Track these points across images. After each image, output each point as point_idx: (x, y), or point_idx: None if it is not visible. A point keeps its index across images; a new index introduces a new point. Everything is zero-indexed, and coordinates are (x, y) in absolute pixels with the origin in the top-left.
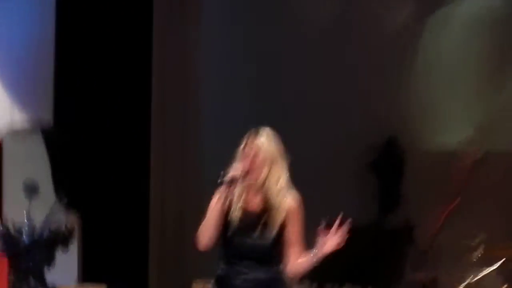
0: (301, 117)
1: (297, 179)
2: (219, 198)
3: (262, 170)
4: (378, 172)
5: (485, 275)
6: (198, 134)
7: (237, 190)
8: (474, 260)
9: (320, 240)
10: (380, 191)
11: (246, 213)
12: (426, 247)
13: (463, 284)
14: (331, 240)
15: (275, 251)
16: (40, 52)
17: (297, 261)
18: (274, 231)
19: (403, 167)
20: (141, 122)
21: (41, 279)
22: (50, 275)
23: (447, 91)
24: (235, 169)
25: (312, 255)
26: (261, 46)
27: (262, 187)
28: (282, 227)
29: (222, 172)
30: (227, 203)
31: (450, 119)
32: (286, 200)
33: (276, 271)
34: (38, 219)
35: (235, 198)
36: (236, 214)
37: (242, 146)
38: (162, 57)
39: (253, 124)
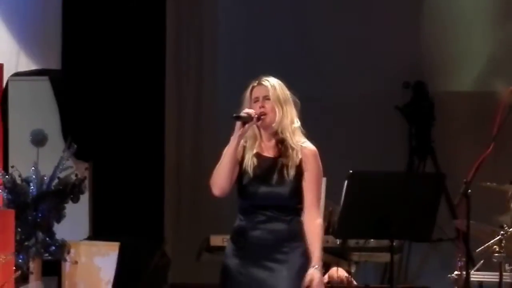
0: (329, 62)
1: (329, 124)
2: (232, 140)
3: (275, 112)
4: (409, 117)
5: None
6: (215, 78)
7: (250, 135)
8: (510, 208)
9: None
10: (411, 137)
11: (261, 159)
12: (460, 195)
13: (500, 233)
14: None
15: (294, 199)
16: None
17: (308, 228)
18: (291, 175)
19: (434, 112)
20: (155, 69)
21: (50, 233)
22: (60, 229)
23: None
24: (248, 109)
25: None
26: None
27: (276, 130)
28: (299, 172)
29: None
30: (241, 150)
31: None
32: (304, 143)
33: (296, 221)
34: (47, 169)
35: (248, 144)
36: (250, 161)
37: (248, 90)
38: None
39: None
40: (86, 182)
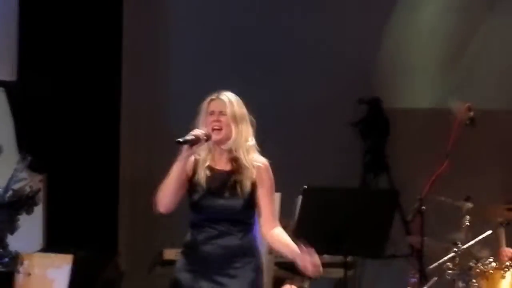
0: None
1: (282, 139)
2: (179, 160)
3: (230, 127)
4: (363, 132)
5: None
6: (169, 91)
7: (203, 150)
8: (465, 224)
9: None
10: (365, 153)
11: (214, 173)
12: (414, 211)
13: (454, 250)
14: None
15: (246, 212)
16: (5, 9)
17: (275, 233)
18: (245, 190)
19: (388, 128)
20: (111, 82)
21: (3, 244)
22: (13, 240)
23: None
24: (197, 130)
25: (294, 251)
26: None
27: (230, 146)
28: (252, 188)
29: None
30: (192, 165)
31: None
32: (257, 160)
33: (248, 237)
34: (1, 181)
35: (201, 159)
36: (203, 174)
37: (206, 102)
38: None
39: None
40: (40, 194)
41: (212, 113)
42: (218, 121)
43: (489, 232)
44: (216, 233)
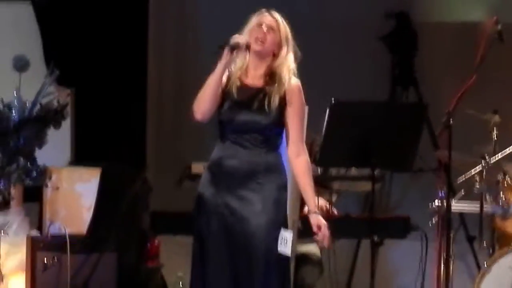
0: None
1: (310, 53)
2: (218, 66)
3: (275, 45)
4: (391, 47)
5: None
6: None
7: (239, 60)
8: (493, 138)
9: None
10: (393, 66)
11: (245, 86)
12: (442, 126)
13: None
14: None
15: (273, 129)
16: None
17: (299, 166)
18: (273, 106)
19: (417, 42)
20: None
21: (31, 159)
22: (41, 155)
23: None
24: (238, 36)
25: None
26: None
27: (270, 62)
28: (282, 104)
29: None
30: (227, 74)
31: None
32: (290, 79)
33: (274, 154)
34: (29, 95)
35: (234, 70)
36: (234, 86)
37: (256, 14)
38: None
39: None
40: (68, 108)
41: (260, 25)
42: (265, 36)
43: None
44: (242, 148)
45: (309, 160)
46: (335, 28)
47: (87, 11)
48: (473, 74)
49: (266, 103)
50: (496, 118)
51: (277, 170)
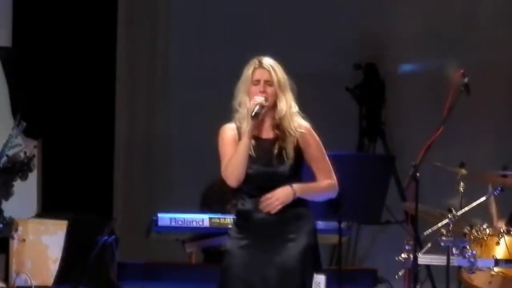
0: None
1: None
2: (247, 132)
3: (276, 96)
4: (359, 98)
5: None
6: (167, 52)
7: (245, 117)
8: (459, 191)
9: None
10: (361, 118)
11: (259, 142)
12: (409, 178)
13: (448, 216)
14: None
15: (295, 178)
16: None
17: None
18: (291, 156)
19: (384, 93)
20: (106, 45)
21: None
22: (8, 206)
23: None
24: (257, 99)
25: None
26: None
27: (274, 113)
28: (298, 153)
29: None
30: (237, 133)
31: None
32: (300, 126)
33: (300, 201)
34: None
35: (243, 127)
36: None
37: (249, 70)
38: None
39: None
40: (35, 160)
41: (257, 82)
42: (265, 91)
43: (483, 198)
44: None
45: (336, 185)
46: (303, 79)
47: (54, 63)
48: (441, 126)
49: (283, 155)
50: (463, 171)
51: (305, 216)
